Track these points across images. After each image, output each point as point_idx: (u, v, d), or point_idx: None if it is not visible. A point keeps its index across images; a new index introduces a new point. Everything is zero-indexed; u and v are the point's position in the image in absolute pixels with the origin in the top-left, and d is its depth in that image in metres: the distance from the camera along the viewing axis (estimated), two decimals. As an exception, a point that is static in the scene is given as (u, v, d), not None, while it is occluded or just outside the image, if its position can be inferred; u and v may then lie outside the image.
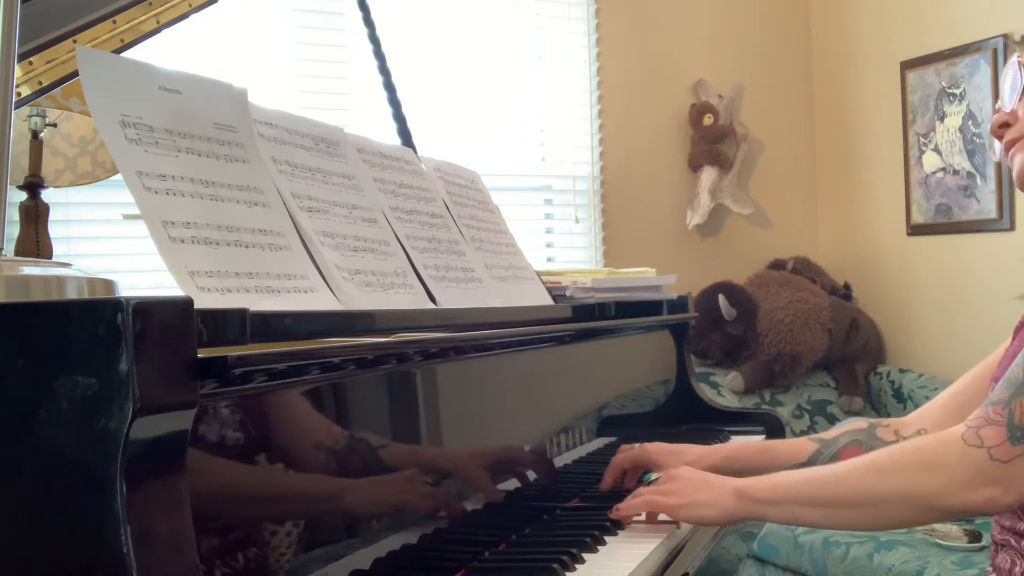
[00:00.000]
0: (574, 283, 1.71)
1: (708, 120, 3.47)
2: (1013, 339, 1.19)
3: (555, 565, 1.05)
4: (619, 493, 1.34)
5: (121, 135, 0.93)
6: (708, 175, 3.46)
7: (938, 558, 2.24)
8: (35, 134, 1.66)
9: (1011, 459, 0.99)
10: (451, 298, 1.32)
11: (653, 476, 1.31)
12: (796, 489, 1.12)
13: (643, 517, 1.25)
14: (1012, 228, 3.09)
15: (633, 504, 1.22)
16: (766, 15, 3.72)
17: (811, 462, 1.34)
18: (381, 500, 0.99)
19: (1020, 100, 1.19)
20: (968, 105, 3.22)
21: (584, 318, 1.67)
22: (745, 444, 1.44)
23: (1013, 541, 1.13)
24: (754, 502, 1.14)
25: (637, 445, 1.43)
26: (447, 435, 1.14)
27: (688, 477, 1.22)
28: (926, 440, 1.07)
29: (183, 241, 0.92)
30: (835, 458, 1.32)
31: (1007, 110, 1.21)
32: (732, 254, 3.58)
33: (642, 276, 1.93)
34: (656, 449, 1.41)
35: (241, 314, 0.82)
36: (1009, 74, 1.22)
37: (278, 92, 2.76)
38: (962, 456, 1.01)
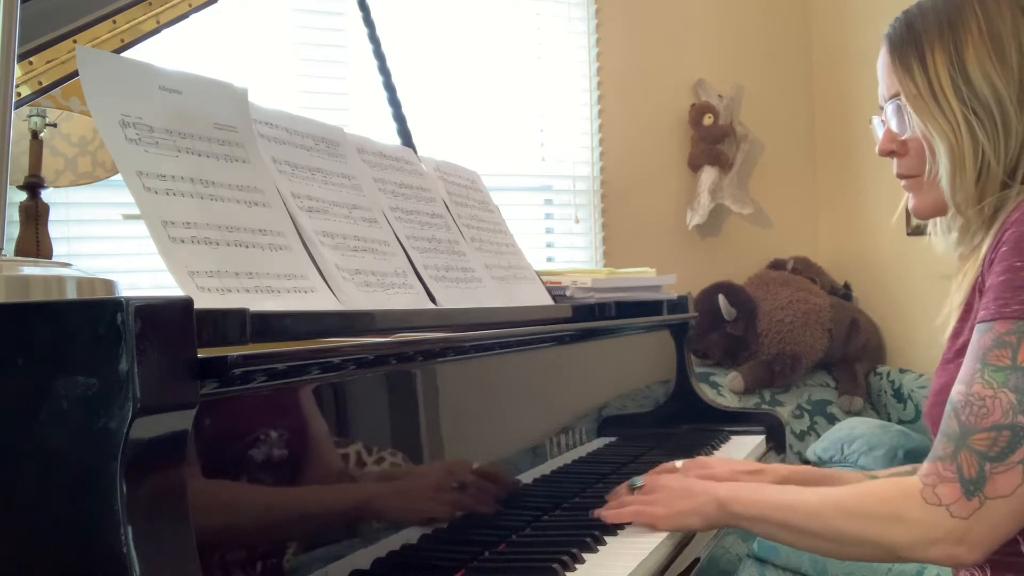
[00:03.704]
0: (574, 283, 1.71)
1: (708, 120, 3.47)
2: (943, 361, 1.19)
3: (555, 565, 1.05)
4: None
5: (121, 135, 0.93)
6: (708, 175, 3.46)
7: (938, 558, 2.24)
8: (35, 134, 1.66)
9: (970, 515, 1.00)
10: (451, 298, 1.32)
11: (639, 482, 1.31)
12: (774, 511, 1.15)
13: None
14: (1012, 228, 3.08)
15: (622, 513, 1.26)
16: (766, 15, 3.72)
17: None
18: (381, 500, 0.99)
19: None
20: (968, 105, 3.21)
21: (584, 318, 1.67)
22: (805, 469, 1.44)
23: None
24: (733, 515, 1.18)
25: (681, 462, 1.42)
26: (447, 435, 1.14)
27: (672, 486, 1.26)
28: (889, 490, 1.08)
29: (183, 241, 0.92)
30: None
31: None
32: (732, 254, 3.58)
33: (642, 276, 1.93)
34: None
35: (241, 314, 0.82)
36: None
37: (278, 92, 2.76)
38: (924, 514, 1.02)
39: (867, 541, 1.07)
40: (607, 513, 1.26)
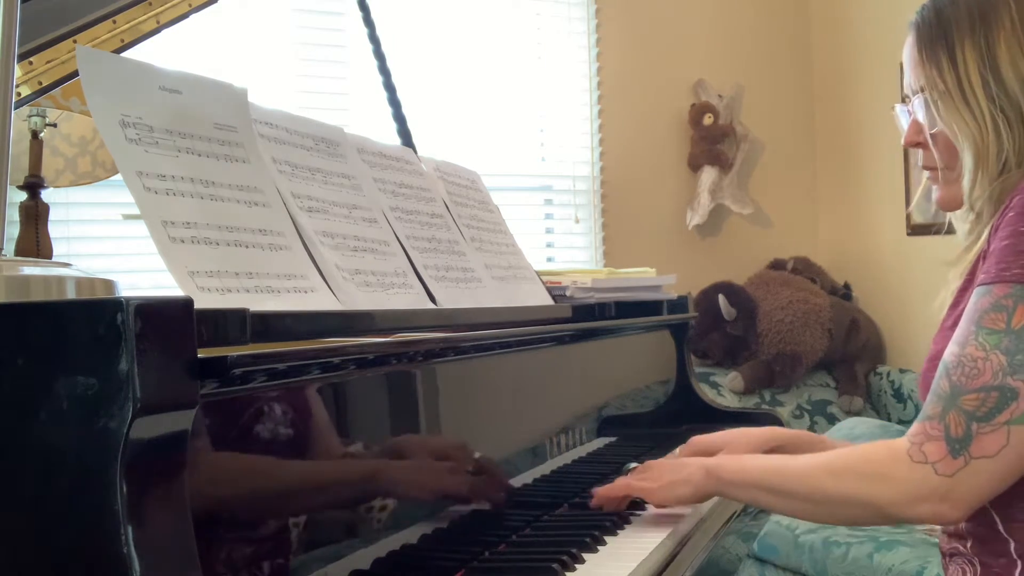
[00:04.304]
0: (574, 283, 1.71)
1: (708, 120, 3.47)
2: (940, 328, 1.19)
3: (555, 565, 1.05)
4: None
5: (121, 135, 0.93)
6: (708, 175, 3.46)
7: (938, 558, 2.24)
8: (35, 134, 1.66)
9: (954, 473, 1.01)
10: (451, 298, 1.32)
11: (632, 465, 1.36)
12: (761, 476, 1.17)
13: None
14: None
15: (613, 487, 1.30)
16: (766, 15, 3.72)
17: None
18: (381, 500, 0.99)
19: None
20: (968, 105, 3.21)
21: (584, 318, 1.67)
22: (802, 433, 1.47)
23: (961, 547, 1.14)
24: (721, 481, 1.21)
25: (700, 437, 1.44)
26: (447, 435, 1.14)
27: (662, 463, 1.31)
28: (876, 449, 1.09)
29: (183, 241, 0.92)
30: None
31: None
32: (732, 254, 3.58)
33: (642, 276, 1.93)
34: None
35: (241, 314, 0.82)
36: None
37: (278, 92, 2.76)
38: (910, 471, 1.03)
39: (854, 500, 1.08)
40: (599, 489, 1.30)
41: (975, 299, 1.06)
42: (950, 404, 1.03)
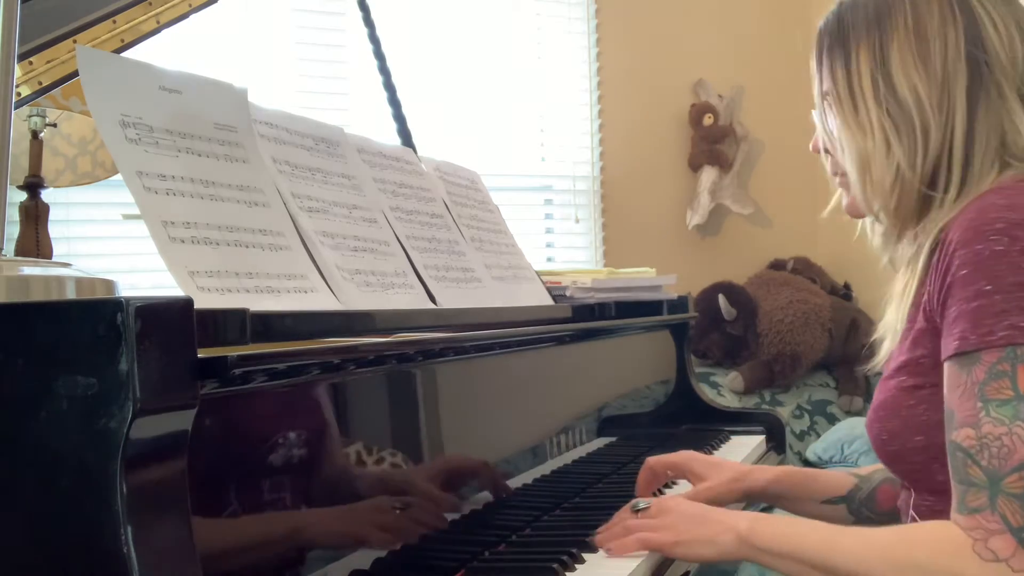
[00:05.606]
0: (574, 283, 1.71)
1: (708, 120, 3.47)
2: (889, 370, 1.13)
3: (555, 565, 1.05)
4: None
5: (121, 135, 0.93)
6: (708, 175, 3.46)
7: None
8: (35, 134, 1.66)
9: None
10: (451, 298, 1.32)
11: (642, 505, 1.19)
12: (808, 548, 1.04)
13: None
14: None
15: (626, 544, 1.13)
16: (766, 15, 3.72)
17: (849, 497, 1.33)
18: (381, 499, 0.99)
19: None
20: (968, 105, 3.20)
21: (584, 318, 1.67)
22: (792, 469, 1.41)
23: None
24: (756, 549, 1.08)
25: (678, 453, 1.43)
26: (447, 435, 1.14)
27: (682, 511, 1.15)
28: (938, 542, 0.98)
29: (183, 241, 0.92)
30: (872, 495, 1.32)
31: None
32: (732, 254, 3.57)
33: (642, 276, 1.93)
34: (696, 458, 1.41)
35: (241, 314, 0.82)
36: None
37: (278, 92, 2.76)
38: (982, 570, 0.94)
39: None
40: (611, 545, 1.13)
41: (962, 370, 0.97)
42: (994, 491, 0.94)
